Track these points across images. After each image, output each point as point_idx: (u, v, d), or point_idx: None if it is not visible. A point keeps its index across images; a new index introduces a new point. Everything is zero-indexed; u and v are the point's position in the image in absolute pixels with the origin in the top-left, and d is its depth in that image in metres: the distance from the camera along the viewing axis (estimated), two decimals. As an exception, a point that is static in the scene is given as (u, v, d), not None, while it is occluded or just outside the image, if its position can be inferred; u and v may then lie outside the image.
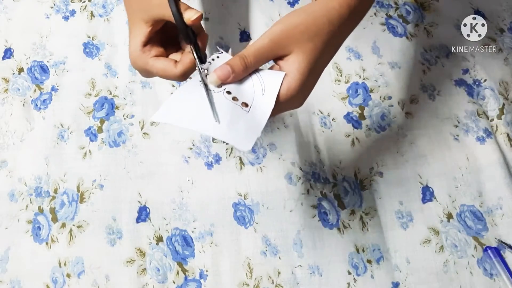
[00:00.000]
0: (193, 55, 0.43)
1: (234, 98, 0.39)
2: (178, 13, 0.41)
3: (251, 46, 0.39)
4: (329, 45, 0.40)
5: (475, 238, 0.62)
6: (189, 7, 0.42)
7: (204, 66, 0.42)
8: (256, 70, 0.41)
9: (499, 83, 0.71)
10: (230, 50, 0.47)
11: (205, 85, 0.40)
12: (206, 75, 0.41)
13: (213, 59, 0.42)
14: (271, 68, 0.42)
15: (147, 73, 0.46)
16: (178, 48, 0.47)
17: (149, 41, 0.44)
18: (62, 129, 0.66)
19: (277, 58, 0.41)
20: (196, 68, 0.42)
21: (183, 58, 0.44)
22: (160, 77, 0.45)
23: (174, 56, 0.45)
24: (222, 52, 0.43)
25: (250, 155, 0.65)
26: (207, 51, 0.71)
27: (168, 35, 0.47)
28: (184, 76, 0.44)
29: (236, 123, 0.38)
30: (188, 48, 0.44)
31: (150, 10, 0.43)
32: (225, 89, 0.40)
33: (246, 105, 0.39)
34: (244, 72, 0.40)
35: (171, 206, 0.62)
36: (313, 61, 0.39)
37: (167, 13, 0.42)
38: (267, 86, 0.40)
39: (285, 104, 0.40)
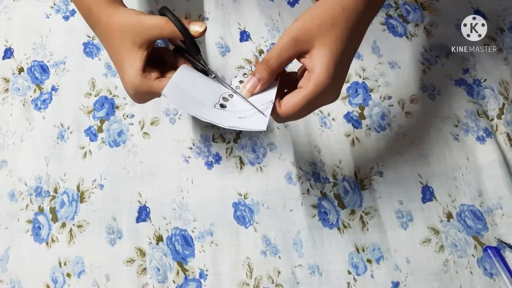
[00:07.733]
0: (201, 65, 0.46)
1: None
2: (184, 29, 0.42)
3: (272, 49, 0.39)
4: (349, 33, 0.39)
5: (475, 238, 0.62)
6: (191, 21, 0.42)
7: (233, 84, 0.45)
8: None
9: (499, 83, 0.71)
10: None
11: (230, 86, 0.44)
12: (214, 76, 0.45)
13: (242, 78, 0.45)
14: (300, 68, 0.43)
15: (150, 97, 0.46)
16: (164, 67, 0.46)
17: (145, 66, 0.43)
18: (62, 129, 0.66)
19: (300, 56, 0.40)
20: (211, 77, 0.45)
21: None
22: None
23: (171, 74, 0.45)
24: (250, 70, 0.45)
25: (250, 154, 0.65)
26: (210, 48, 0.72)
27: (153, 57, 0.46)
28: None
29: (242, 110, 0.41)
30: (182, 62, 0.46)
31: (144, 32, 0.41)
32: (237, 87, 0.43)
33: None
34: (270, 76, 0.40)
35: (171, 206, 0.62)
36: (337, 52, 0.38)
37: (164, 31, 0.41)
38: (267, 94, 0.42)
39: (318, 100, 0.40)
